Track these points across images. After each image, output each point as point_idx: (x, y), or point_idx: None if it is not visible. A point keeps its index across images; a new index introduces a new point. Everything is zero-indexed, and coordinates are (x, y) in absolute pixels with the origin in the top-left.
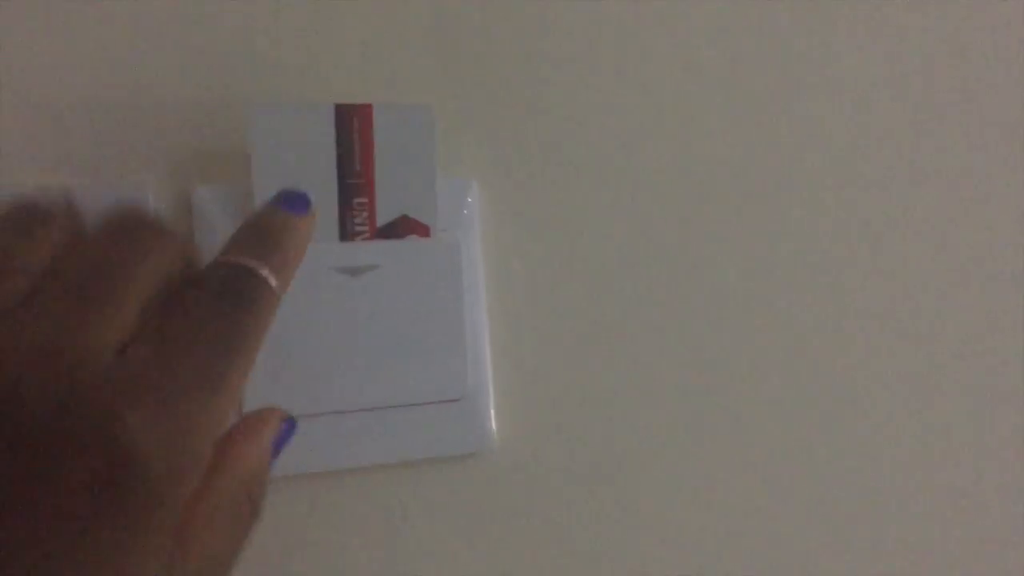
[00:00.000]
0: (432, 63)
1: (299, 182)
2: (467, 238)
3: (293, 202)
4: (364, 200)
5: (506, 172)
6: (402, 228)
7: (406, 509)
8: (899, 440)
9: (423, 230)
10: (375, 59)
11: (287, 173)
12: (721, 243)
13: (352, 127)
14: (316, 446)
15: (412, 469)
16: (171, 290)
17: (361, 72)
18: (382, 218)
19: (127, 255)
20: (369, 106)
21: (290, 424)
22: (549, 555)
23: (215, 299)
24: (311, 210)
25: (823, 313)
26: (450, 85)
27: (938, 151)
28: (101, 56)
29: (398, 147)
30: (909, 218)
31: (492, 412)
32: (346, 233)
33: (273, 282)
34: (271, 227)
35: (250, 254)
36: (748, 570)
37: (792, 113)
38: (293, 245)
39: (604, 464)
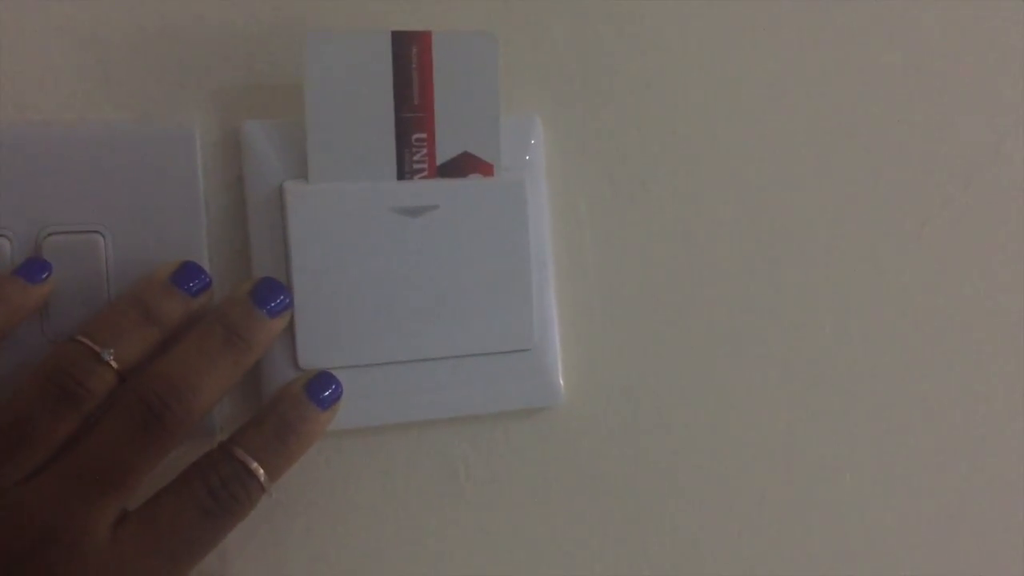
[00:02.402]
0: None
1: (354, 114)
2: (531, 178)
3: (323, 389)
4: (423, 136)
5: (572, 108)
6: (464, 166)
7: (468, 466)
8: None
9: (486, 168)
10: None
11: (341, 106)
12: (807, 195)
13: (410, 56)
14: (372, 399)
15: (475, 424)
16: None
17: (419, 1)
18: (442, 155)
19: (140, 449)
20: (428, 33)
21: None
22: (616, 516)
23: (210, 499)
24: (335, 406)
25: (915, 291)
26: (510, 13)
27: None
28: None
29: (459, 78)
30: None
31: (559, 365)
32: (404, 171)
33: (267, 483)
34: (290, 420)
35: (257, 452)
36: (814, 529)
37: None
38: (305, 444)
39: (676, 422)
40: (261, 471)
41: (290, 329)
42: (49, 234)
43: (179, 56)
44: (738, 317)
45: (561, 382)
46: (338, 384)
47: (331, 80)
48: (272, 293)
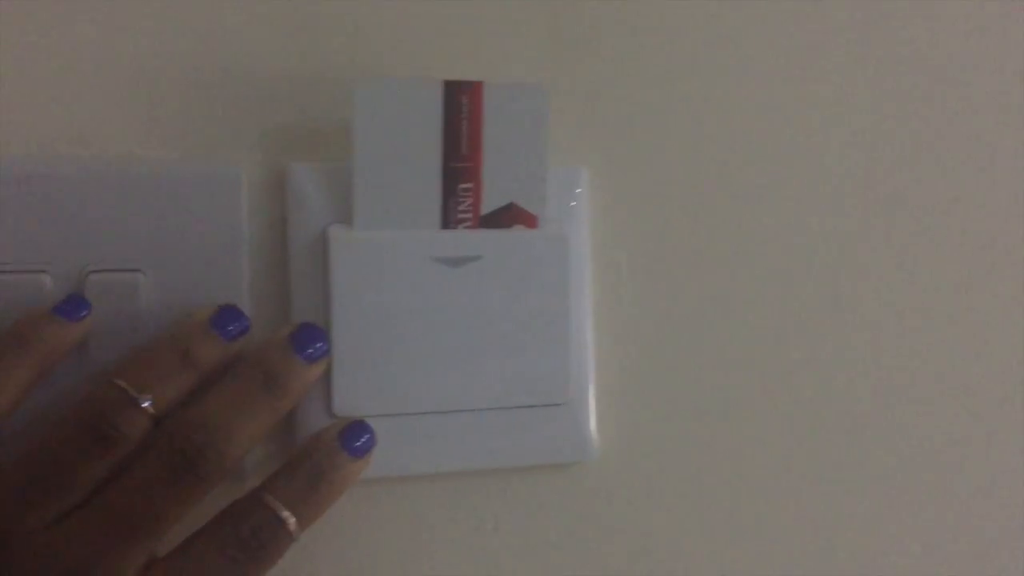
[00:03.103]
0: (541, 40)
1: (402, 162)
2: (574, 229)
3: (356, 439)
4: (469, 186)
5: (618, 160)
6: (508, 217)
7: (497, 519)
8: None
9: (530, 220)
10: (482, 36)
11: (389, 153)
12: (848, 246)
13: (461, 106)
14: (404, 448)
15: (505, 477)
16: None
17: (467, 49)
18: (487, 206)
19: (173, 496)
20: (480, 84)
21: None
22: (651, 574)
23: (238, 549)
24: (368, 456)
25: (963, 319)
26: (559, 65)
27: None
28: (195, 26)
29: (508, 129)
30: None
31: (592, 419)
32: (448, 220)
33: (296, 532)
34: (323, 468)
35: (288, 500)
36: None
37: (927, 114)
38: (337, 493)
39: (711, 479)
40: (292, 519)
41: (326, 375)
42: (90, 272)
43: (227, 96)
44: (777, 377)
45: (594, 437)
46: (372, 434)
47: (380, 127)
48: (311, 339)
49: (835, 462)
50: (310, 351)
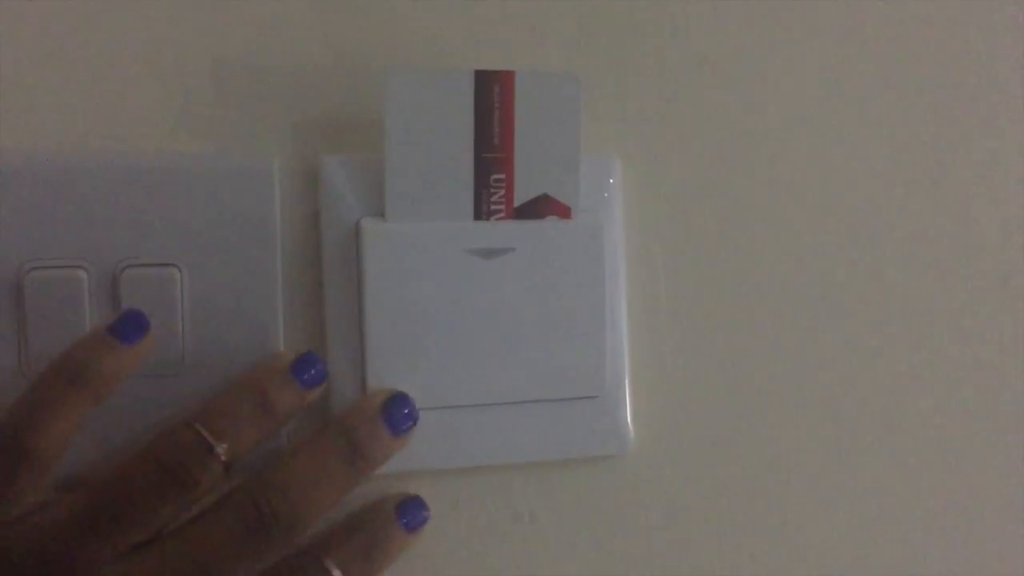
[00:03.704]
0: (573, 28)
1: (434, 153)
2: (608, 220)
3: (412, 514)
4: (502, 176)
5: (652, 149)
6: (541, 208)
7: (533, 513)
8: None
9: (564, 211)
10: (514, 25)
11: (421, 144)
12: (886, 233)
13: (493, 96)
14: (439, 442)
15: (541, 470)
16: None
17: (499, 39)
18: (520, 197)
19: (243, 553)
20: (512, 73)
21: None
22: (687, 568)
23: None
24: (420, 530)
25: (991, 316)
26: (592, 54)
27: None
28: (226, 18)
29: (540, 119)
30: None
31: (629, 412)
32: (481, 212)
33: None
34: (378, 540)
35: (344, 564)
36: (899, 565)
37: (950, 110)
38: (388, 563)
39: (748, 472)
40: None
41: (360, 369)
42: (126, 267)
43: (259, 89)
44: (815, 369)
45: (631, 430)
46: (427, 510)
47: (411, 118)
48: (401, 410)
49: (875, 455)
50: (400, 424)
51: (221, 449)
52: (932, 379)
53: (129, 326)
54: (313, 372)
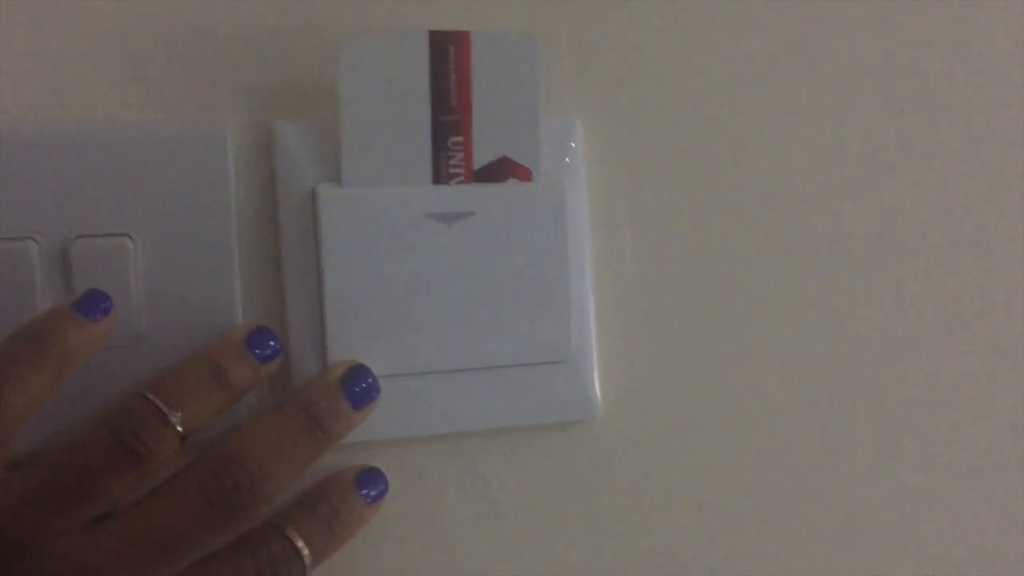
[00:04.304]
0: None
1: (390, 117)
2: (571, 184)
3: (369, 484)
4: (460, 139)
5: (613, 111)
6: (501, 171)
7: (502, 480)
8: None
9: (524, 173)
10: None
11: (376, 108)
12: (853, 191)
13: (448, 57)
14: (402, 410)
15: (509, 437)
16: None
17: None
18: (479, 159)
19: (205, 526)
20: (467, 33)
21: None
22: (655, 533)
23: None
24: (380, 503)
25: (966, 291)
26: (551, 13)
27: None
28: None
29: (498, 80)
30: None
31: (596, 377)
32: (439, 175)
33: (310, 569)
34: (339, 510)
35: (306, 535)
36: (864, 541)
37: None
38: (350, 534)
39: (716, 437)
40: (307, 552)
41: (320, 338)
42: (77, 237)
43: (211, 55)
44: (783, 329)
45: (598, 395)
46: (386, 483)
47: (366, 81)
48: (361, 382)
49: (842, 419)
50: (361, 397)
51: (176, 418)
52: (907, 344)
53: (92, 302)
54: (269, 346)
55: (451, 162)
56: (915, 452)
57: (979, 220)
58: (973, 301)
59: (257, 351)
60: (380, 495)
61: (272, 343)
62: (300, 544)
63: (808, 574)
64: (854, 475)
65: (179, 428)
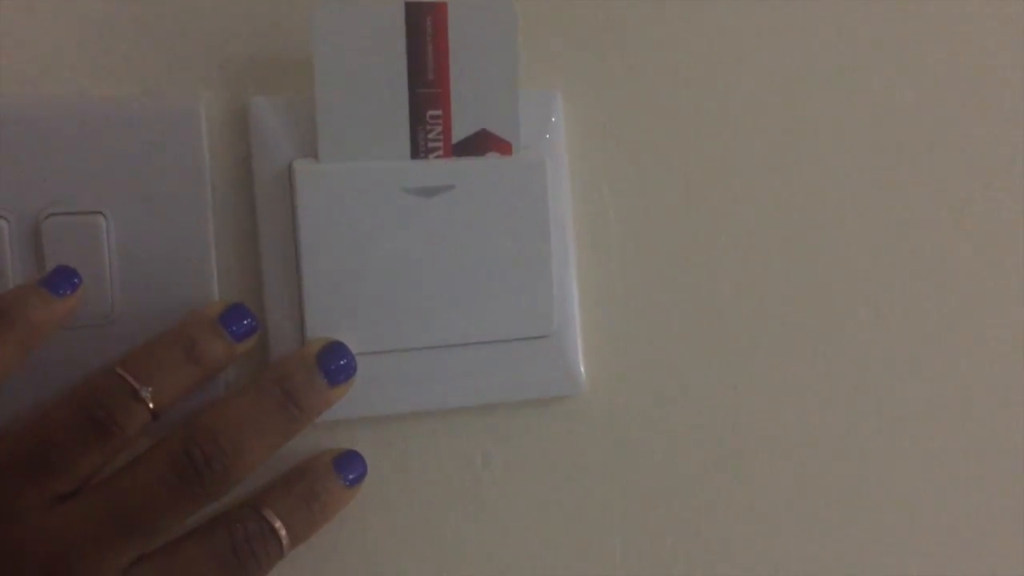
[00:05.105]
0: None
1: (366, 90)
2: (551, 156)
3: (347, 467)
4: (438, 112)
5: (594, 84)
6: (481, 145)
7: (486, 457)
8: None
9: (504, 147)
10: None
11: (352, 81)
12: (839, 157)
13: (425, 28)
14: (384, 387)
15: (492, 413)
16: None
17: None
18: (458, 133)
19: (175, 502)
20: (444, 4)
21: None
22: (638, 508)
23: (231, 554)
24: (358, 486)
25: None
26: None
27: None
28: None
29: (476, 52)
30: None
31: (581, 352)
32: (418, 150)
33: (287, 549)
34: (317, 491)
35: (283, 514)
36: (844, 517)
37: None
38: (328, 516)
39: (702, 412)
40: (284, 532)
41: (298, 315)
42: (49, 215)
43: (185, 29)
44: (767, 302)
45: (582, 370)
46: (365, 466)
47: (341, 54)
48: (339, 359)
49: (830, 389)
50: (337, 374)
51: (146, 393)
52: (896, 322)
53: (60, 278)
54: (244, 324)
55: (430, 136)
56: (888, 422)
57: (955, 204)
58: (957, 293)
59: (232, 328)
60: (359, 478)
61: (247, 320)
62: (277, 524)
63: (792, 544)
64: (836, 446)
65: (150, 404)
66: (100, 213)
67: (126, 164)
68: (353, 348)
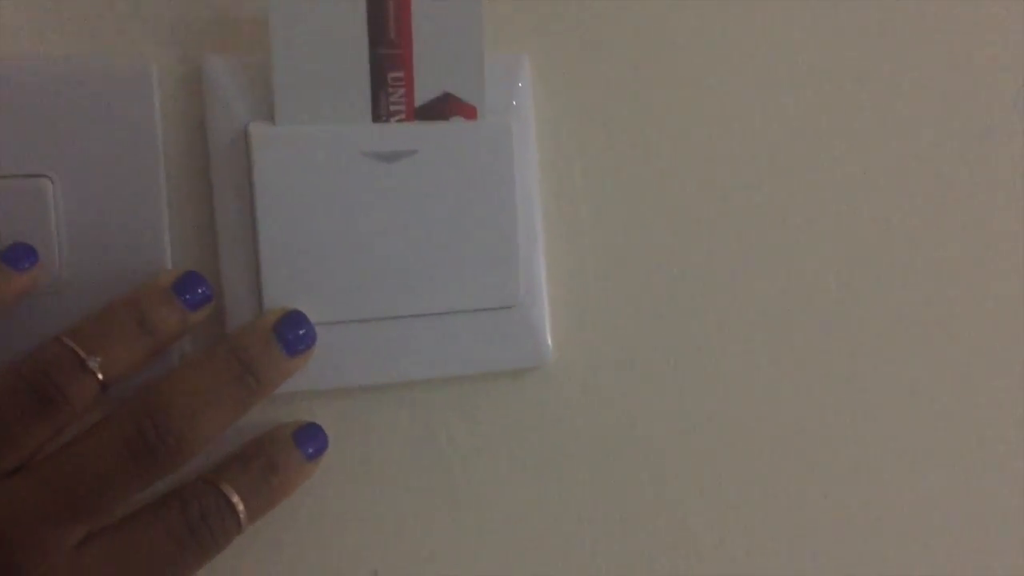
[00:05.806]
0: None
1: (325, 50)
2: (518, 123)
3: (308, 440)
4: (400, 75)
5: (563, 47)
6: (444, 109)
7: (451, 430)
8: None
9: (468, 111)
10: None
11: (310, 41)
12: (811, 128)
13: None
14: (345, 359)
15: (457, 385)
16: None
17: None
18: (421, 96)
19: (125, 477)
20: None
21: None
22: (607, 481)
23: (186, 531)
24: (319, 458)
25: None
26: None
27: None
28: None
29: (439, 11)
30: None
31: (548, 322)
32: (379, 113)
33: (245, 524)
34: (276, 463)
35: (241, 489)
36: (810, 498)
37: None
38: (288, 490)
39: (671, 383)
40: (242, 507)
41: (256, 285)
42: None
43: None
44: (738, 276)
45: (549, 341)
46: (326, 439)
47: (299, 12)
48: (297, 328)
49: (800, 357)
50: (295, 344)
51: (94, 363)
52: (865, 295)
53: (20, 252)
54: (198, 292)
55: (391, 99)
56: (859, 391)
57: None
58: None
59: (186, 297)
60: (319, 451)
61: (201, 289)
62: (235, 499)
63: (768, 524)
64: (806, 412)
65: (99, 375)
66: (46, 177)
67: (74, 126)
68: (312, 318)
